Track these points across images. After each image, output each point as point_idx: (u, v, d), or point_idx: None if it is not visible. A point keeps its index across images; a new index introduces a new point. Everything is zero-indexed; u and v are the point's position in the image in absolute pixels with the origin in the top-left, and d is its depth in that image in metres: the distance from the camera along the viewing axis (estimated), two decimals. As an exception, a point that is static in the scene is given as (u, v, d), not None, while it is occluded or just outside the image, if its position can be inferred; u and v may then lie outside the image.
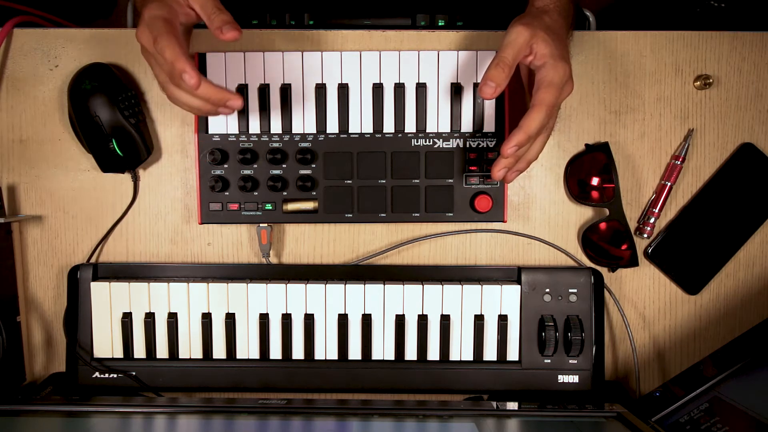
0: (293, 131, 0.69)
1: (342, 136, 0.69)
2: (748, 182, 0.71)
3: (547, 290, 0.69)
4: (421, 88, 0.68)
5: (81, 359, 0.69)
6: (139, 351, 0.69)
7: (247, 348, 0.69)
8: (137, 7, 0.68)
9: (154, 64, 0.57)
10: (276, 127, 0.69)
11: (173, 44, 0.53)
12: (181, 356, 0.69)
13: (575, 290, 0.69)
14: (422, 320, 0.69)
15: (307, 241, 0.73)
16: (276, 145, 0.69)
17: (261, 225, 0.70)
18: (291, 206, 0.69)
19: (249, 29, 0.71)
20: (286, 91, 0.68)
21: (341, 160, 0.69)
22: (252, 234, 0.73)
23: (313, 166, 0.69)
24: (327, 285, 0.69)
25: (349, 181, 0.69)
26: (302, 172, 0.69)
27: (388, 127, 0.69)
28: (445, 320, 0.69)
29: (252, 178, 0.68)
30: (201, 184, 0.69)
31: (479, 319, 0.69)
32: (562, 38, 0.62)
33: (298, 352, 0.69)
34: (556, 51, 0.59)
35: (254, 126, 0.69)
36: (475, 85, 0.68)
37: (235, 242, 0.73)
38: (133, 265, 0.71)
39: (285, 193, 0.69)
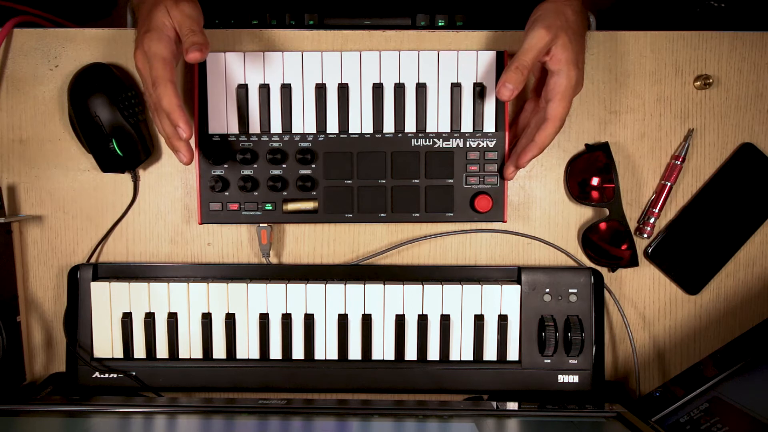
0: (293, 131, 0.69)
1: (342, 136, 0.69)
2: (748, 182, 0.71)
3: (547, 290, 0.69)
4: (421, 88, 0.68)
5: (81, 359, 0.69)
6: (139, 351, 0.69)
7: (247, 348, 0.69)
8: (134, 10, 0.68)
9: (145, 88, 0.61)
10: (276, 127, 0.69)
11: (170, 94, 0.58)
12: (181, 356, 0.69)
13: (575, 290, 0.69)
14: (422, 320, 0.69)
15: (307, 241, 0.73)
16: (276, 145, 0.69)
17: (261, 225, 0.70)
18: (291, 206, 0.69)
19: (249, 29, 0.71)
20: (286, 91, 0.68)
21: (341, 160, 0.69)
22: (252, 234, 0.73)
23: (313, 166, 0.69)
24: (327, 285, 0.69)
25: (349, 181, 0.69)
26: (302, 172, 0.69)
27: (388, 127, 0.69)
28: (445, 320, 0.69)
29: (252, 178, 0.68)
30: (201, 184, 0.69)
31: (479, 319, 0.69)
32: (580, 35, 0.63)
33: (298, 352, 0.69)
34: (572, 56, 0.60)
35: (254, 126, 0.69)
36: (475, 85, 0.68)
37: (235, 242, 0.73)
38: (133, 265, 0.71)
39: (285, 193, 0.69)
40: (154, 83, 0.58)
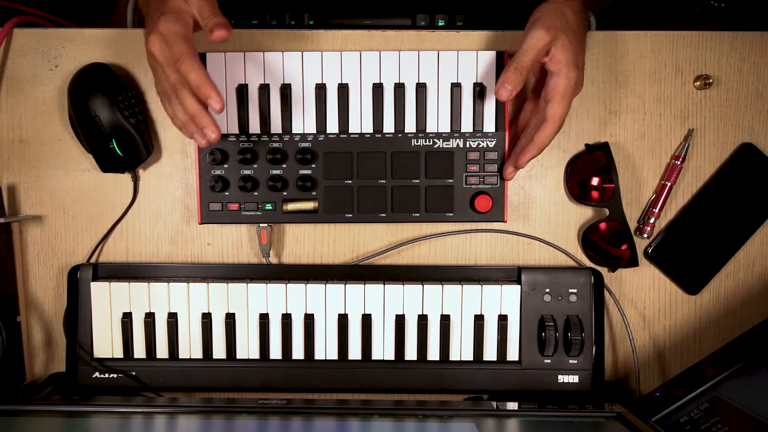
0: (293, 131, 0.69)
1: (342, 136, 0.69)
2: (748, 182, 0.71)
3: (547, 290, 0.69)
4: (421, 88, 0.68)
5: (81, 359, 0.69)
6: (139, 351, 0.69)
7: (247, 348, 0.69)
8: (140, 7, 0.68)
9: (159, 74, 0.59)
10: (276, 127, 0.69)
11: (198, 68, 0.56)
12: (181, 356, 0.69)
13: (575, 290, 0.69)
14: (422, 320, 0.69)
15: (307, 241, 0.73)
16: (276, 145, 0.69)
17: (261, 225, 0.70)
18: (291, 206, 0.69)
19: (249, 29, 0.71)
20: (286, 91, 0.68)
21: (341, 160, 0.69)
22: (252, 234, 0.73)
23: (313, 166, 0.69)
24: (327, 285, 0.69)
25: (349, 181, 0.69)
26: (302, 172, 0.69)
27: (388, 127, 0.69)
28: (445, 320, 0.69)
29: (252, 178, 0.68)
30: (201, 184, 0.69)
31: (479, 319, 0.69)
32: (580, 36, 0.63)
33: (298, 352, 0.69)
34: (572, 57, 0.60)
35: (254, 126, 0.69)
36: (475, 85, 0.68)
37: (235, 242, 0.73)
38: (133, 265, 0.71)
39: (285, 193, 0.69)
40: (177, 60, 0.56)
